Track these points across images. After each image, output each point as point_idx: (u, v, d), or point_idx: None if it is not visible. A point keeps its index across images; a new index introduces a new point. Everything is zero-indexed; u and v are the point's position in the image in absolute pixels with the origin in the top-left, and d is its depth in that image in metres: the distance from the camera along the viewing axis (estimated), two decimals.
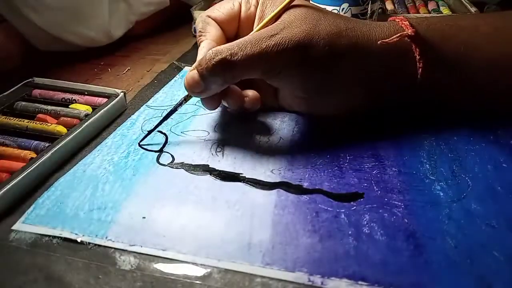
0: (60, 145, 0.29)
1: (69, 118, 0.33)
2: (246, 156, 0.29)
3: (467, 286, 0.20)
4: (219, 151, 0.30)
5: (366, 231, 0.23)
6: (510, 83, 0.30)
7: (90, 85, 0.37)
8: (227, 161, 0.29)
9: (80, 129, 0.31)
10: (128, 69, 0.45)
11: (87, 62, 0.47)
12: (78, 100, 0.35)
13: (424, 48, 0.29)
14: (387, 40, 0.28)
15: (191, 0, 0.57)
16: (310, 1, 0.42)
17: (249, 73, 0.28)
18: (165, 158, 0.29)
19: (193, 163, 0.28)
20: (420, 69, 0.29)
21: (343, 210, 0.24)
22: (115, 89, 0.36)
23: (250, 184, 0.26)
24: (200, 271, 0.21)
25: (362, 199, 0.25)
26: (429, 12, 0.57)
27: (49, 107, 0.34)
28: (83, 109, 0.34)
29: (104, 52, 0.48)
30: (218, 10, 0.32)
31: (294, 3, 0.29)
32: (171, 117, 0.31)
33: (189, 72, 0.28)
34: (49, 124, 0.31)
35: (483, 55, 0.30)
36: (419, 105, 0.32)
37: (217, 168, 0.28)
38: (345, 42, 0.28)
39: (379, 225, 0.23)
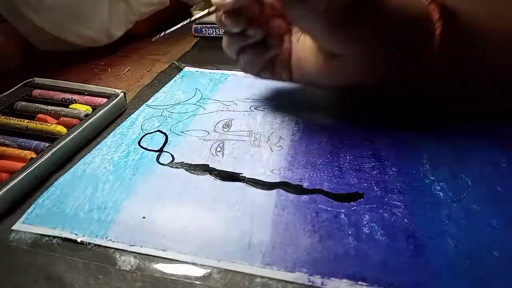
0: (60, 145, 0.29)
1: (69, 118, 0.33)
2: (246, 156, 0.29)
3: (467, 286, 0.20)
4: (219, 151, 0.30)
5: (366, 231, 0.23)
6: None
7: (90, 85, 0.37)
8: (227, 161, 0.29)
9: (80, 129, 0.31)
10: (128, 69, 0.45)
11: (87, 62, 0.47)
12: (78, 100, 0.35)
13: (445, 12, 0.27)
14: None
15: (191, 0, 0.57)
16: None
17: None
18: (165, 158, 0.29)
19: (193, 163, 0.28)
20: (439, 32, 0.27)
21: (343, 210, 0.24)
22: (115, 89, 0.36)
23: (250, 184, 0.26)
24: (200, 271, 0.21)
25: (362, 199, 0.25)
26: None
27: (49, 107, 0.34)
28: (83, 109, 0.34)
29: (104, 52, 0.48)
30: None
31: None
32: (171, 117, 0.31)
33: None
34: (49, 124, 0.31)
35: (506, 29, 0.28)
36: (432, 94, 0.31)
37: (217, 168, 0.28)
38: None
39: (379, 225, 0.23)
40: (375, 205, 0.24)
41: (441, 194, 0.25)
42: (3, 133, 0.31)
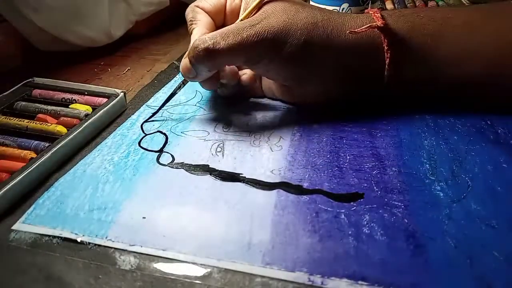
0: (60, 145, 0.29)
1: (69, 118, 0.33)
2: (246, 156, 0.29)
3: (467, 286, 0.20)
4: (219, 151, 0.30)
5: (366, 231, 0.23)
6: (472, 76, 0.31)
7: (90, 85, 0.37)
8: (227, 161, 0.29)
9: (80, 129, 0.31)
10: (128, 69, 0.45)
11: (87, 62, 0.47)
12: (78, 100, 0.35)
13: (393, 40, 0.30)
14: (356, 30, 0.29)
15: (191, 0, 0.57)
16: (311, 2, 0.42)
17: (232, 61, 0.30)
18: (165, 158, 0.29)
19: (193, 163, 0.28)
20: (388, 59, 0.30)
21: (343, 211, 0.24)
22: (115, 89, 0.36)
23: (250, 184, 0.26)
24: (200, 271, 0.21)
25: (362, 199, 0.25)
26: None
27: (49, 107, 0.34)
28: (83, 109, 0.34)
29: (104, 52, 0.48)
30: (206, 1, 0.34)
31: None
32: (171, 117, 0.31)
33: (183, 59, 0.30)
34: (49, 124, 0.31)
35: (449, 48, 0.30)
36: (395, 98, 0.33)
37: (217, 168, 0.28)
38: (320, 32, 0.29)
39: (379, 225, 0.23)
40: (375, 205, 0.24)
41: (441, 194, 0.25)
42: (3, 133, 0.31)
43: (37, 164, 0.27)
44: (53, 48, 0.46)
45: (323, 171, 0.27)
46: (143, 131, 0.32)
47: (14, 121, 0.32)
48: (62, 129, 0.31)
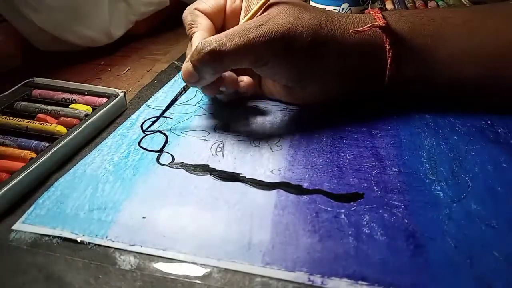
0: (60, 145, 0.29)
1: (69, 118, 0.33)
2: (246, 156, 0.29)
3: (467, 286, 0.20)
4: (219, 151, 0.30)
5: (366, 231, 0.23)
6: (471, 76, 0.31)
7: (90, 85, 0.37)
8: (227, 161, 0.29)
9: (80, 129, 0.31)
10: (128, 69, 0.45)
11: (87, 62, 0.47)
12: (78, 100, 0.35)
13: (394, 39, 0.30)
14: (358, 29, 0.30)
15: (190, 0, 0.57)
16: (311, 2, 0.42)
17: (238, 63, 0.29)
18: (165, 158, 0.29)
19: (193, 163, 0.28)
20: (390, 59, 0.30)
21: (343, 211, 0.24)
22: (115, 89, 0.36)
23: (250, 184, 0.26)
24: (200, 271, 0.21)
25: (362, 199, 0.25)
26: None
27: (49, 107, 0.34)
28: (83, 109, 0.34)
29: (104, 52, 0.48)
30: (205, 3, 0.34)
31: None
32: (171, 117, 0.31)
33: (184, 63, 0.30)
34: (49, 124, 0.31)
35: (449, 48, 0.31)
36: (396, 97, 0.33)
37: (217, 168, 0.28)
38: (325, 33, 0.30)
39: (379, 225, 0.23)
40: (375, 205, 0.24)
41: (441, 194, 0.25)
42: (3, 133, 0.31)
43: (37, 164, 0.27)
44: (53, 48, 0.46)
45: (323, 171, 0.27)
46: (143, 131, 0.32)
47: (14, 121, 0.32)
48: (62, 129, 0.31)
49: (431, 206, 0.24)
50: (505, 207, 0.24)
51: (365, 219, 0.23)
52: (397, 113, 0.33)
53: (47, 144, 0.29)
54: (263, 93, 0.37)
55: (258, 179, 0.27)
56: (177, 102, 0.33)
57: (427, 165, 0.27)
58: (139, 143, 0.31)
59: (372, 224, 0.23)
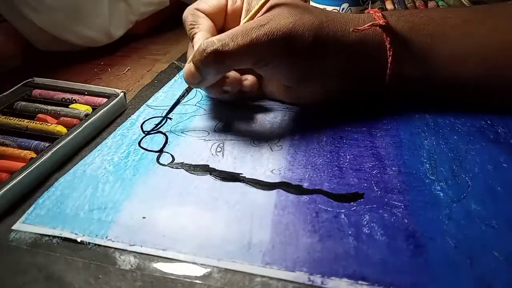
0: (60, 145, 0.29)
1: (69, 118, 0.33)
2: (246, 156, 0.29)
3: (467, 286, 0.20)
4: (219, 151, 0.30)
5: (366, 231, 0.23)
6: (471, 76, 0.31)
7: (90, 85, 0.37)
8: (227, 161, 0.29)
9: (80, 129, 0.31)
10: (128, 69, 0.45)
11: (87, 62, 0.47)
12: (78, 100, 0.35)
13: (394, 38, 0.30)
14: (359, 28, 0.30)
15: (191, 0, 0.57)
16: (311, 2, 0.42)
17: (241, 63, 0.29)
18: (165, 158, 0.29)
19: (193, 163, 0.28)
20: (390, 58, 0.31)
21: (343, 211, 0.24)
22: (115, 89, 0.36)
23: (250, 184, 0.26)
24: (200, 271, 0.21)
25: (362, 199, 0.25)
26: None
27: (49, 107, 0.34)
28: (83, 109, 0.34)
29: (104, 52, 0.48)
30: (206, 3, 0.34)
31: None
32: (171, 117, 0.31)
33: (186, 64, 0.30)
34: (49, 124, 0.31)
35: (449, 48, 0.31)
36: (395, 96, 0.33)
37: (217, 168, 0.28)
38: (326, 32, 0.30)
39: (379, 225, 0.23)
40: (375, 205, 0.24)
41: (441, 194, 0.25)
42: (3, 133, 0.31)
43: (37, 164, 0.27)
44: (53, 48, 0.46)
45: (323, 171, 0.27)
46: (143, 131, 0.32)
47: (14, 121, 0.32)
48: (62, 129, 0.31)
49: (431, 206, 0.24)
50: (505, 207, 0.24)
51: (365, 219, 0.23)
52: (397, 113, 0.33)
53: (47, 144, 0.29)
54: (264, 93, 0.37)
55: (258, 179, 0.27)
56: None
57: (427, 165, 0.27)
58: (139, 143, 0.31)
59: (372, 224, 0.23)
